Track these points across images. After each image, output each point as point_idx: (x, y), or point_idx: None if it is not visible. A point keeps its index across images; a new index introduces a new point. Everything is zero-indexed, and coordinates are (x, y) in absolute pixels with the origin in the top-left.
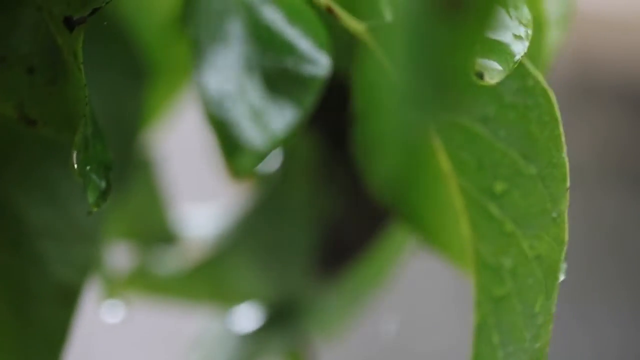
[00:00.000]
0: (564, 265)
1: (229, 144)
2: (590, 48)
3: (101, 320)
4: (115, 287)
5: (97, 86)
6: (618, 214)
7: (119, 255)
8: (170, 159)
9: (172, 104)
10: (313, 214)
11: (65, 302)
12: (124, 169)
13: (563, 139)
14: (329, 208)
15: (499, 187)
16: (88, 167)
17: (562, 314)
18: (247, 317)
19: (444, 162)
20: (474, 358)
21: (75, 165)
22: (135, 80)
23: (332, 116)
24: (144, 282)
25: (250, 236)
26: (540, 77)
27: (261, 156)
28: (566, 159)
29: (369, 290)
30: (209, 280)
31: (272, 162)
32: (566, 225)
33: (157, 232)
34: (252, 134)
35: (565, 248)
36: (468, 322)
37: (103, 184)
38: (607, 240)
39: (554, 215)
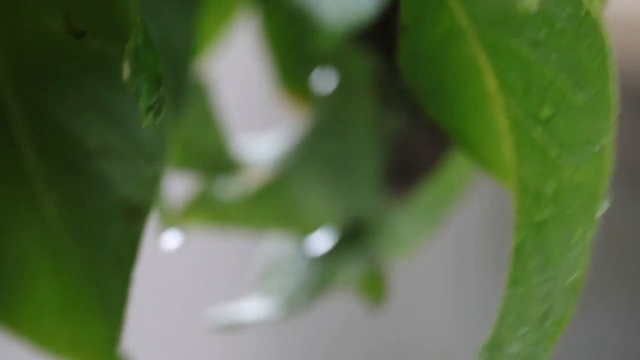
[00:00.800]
0: (605, 200)
1: (309, 23)
2: None
3: (159, 245)
4: (175, 217)
5: (148, 9)
6: (617, 214)
7: (178, 185)
8: (225, 87)
9: (226, 28)
10: (377, 133)
11: (133, 221)
12: (179, 95)
13: (613, 71)
14: (394, 126)
15: (545, 112)
16: (139, 77)
17: None
18: (317, 241)
19: (490, 82)
20: (510, 282)
21: (126, 76)
22: (187, 3)
23: (390, 30)
24: (206, 211)
25: (314, 158)
26: (594, 8)
27: (339, 35)
28: (615, 93)
29: (439, 209)
30: (274, 204)
31: (327, 83)
32: (610, 159)
33: (216, 159)
34: (331, 12)
35: (607, 182)
36: (466, 319)
37: (155, 96)
38: (606, 240)
39: (597, 148)
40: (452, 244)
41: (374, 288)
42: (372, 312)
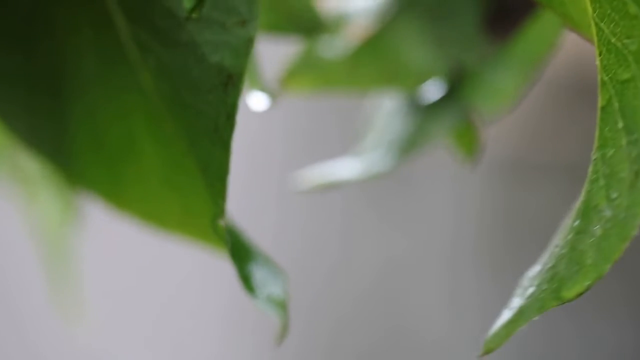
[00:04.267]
0: None
1: None
2: (586, 48)
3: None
4: (277, 81)
5: None
6: None
7: (275, 49)
8: None
9: None
10: None
11: (228, 88)
12: None
13: None
14: None
15: None
16: None
17: (557, 314)
18: (417, 95)
19: None
20: (599, 145)
21: None
22: None
23: None
24: (308, 73)
25: (414, 7)
26: None
27: None
28: None
29: (531, 60)
30: (377, 59)
31: None
32: None
33: (307, 19)
34: None
35: None
36: (463, 311)
37: None
38: None
39: None
40: (449, 237)
41: (468, 140)
42: (466, 165)
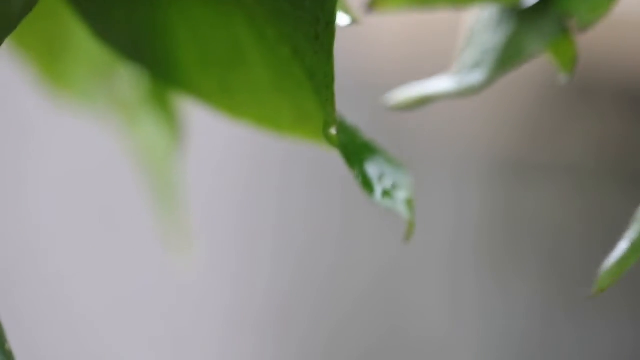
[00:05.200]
0: None
1: None
2: (587, 47)
3: None
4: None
5: None
6: (614, 213)
7: None
8: None
9: None
10: None
11: None
12: None
13: None
14: None
15: None
16: None
17: (557, 314)
18: (512, 3)
19: None
20: None
21: None
22: None
23: None
24: None
25: None
26: None
27: None
28: None
29: None
30: None
31: None
32: None
33: None
34: None
35: None
36: (463, 313)
37: None
38: (604, 240)
39: None
40: (449, 236)
41: (564, 51)
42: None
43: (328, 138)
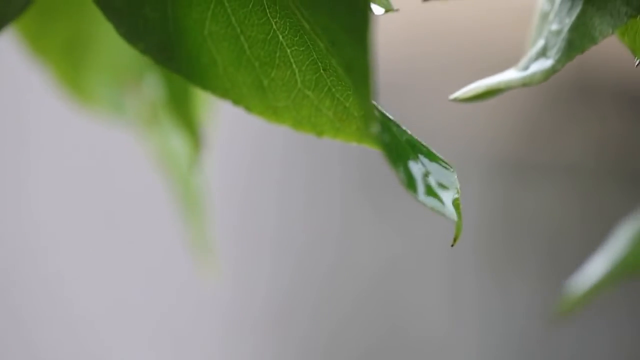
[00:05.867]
0: None
1: None
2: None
3: None
4: None
5: None
6: (614, 213)
7: None
8: None
9: None
10: None
11: None
12: None
13: None
14: None
15: None
16: None
17: (556, 314)
18: None
19: None
20: None
21: None
22: None
23: None
24: None
25: None
26: None
27: None
28: None
29: None
30: None
31: None
32: None
33: None
34: None
35: None
36: (463, 313)
37: None
38: (602, 241)
39: None
40: (449, 237)
41: (636, 35)
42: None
43: (368, 136)
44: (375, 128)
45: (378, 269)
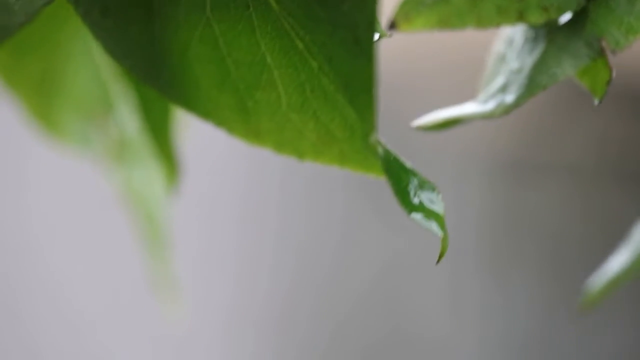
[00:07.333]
0: None
1: None
2: None
3: None
4: (398, 22)
5: None
6: (615, 213)
7: None
8: None
9: None
10: None
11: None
12: None
13: None
14: None
15: None
16: None
17: (556, 314)
18: (542, 29)
19: None
20: None
21: None
22: None
23: None
24: (428, 12)
25: None
26: None
27: None
28: None
29: None
30: None
31: None
32: None
33: None
34: None
35: None
36: (464, 313)
37: None
38: (604, 240)
39: None
40: (450, 235)
41: (595, 73)
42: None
43: (367, 147)
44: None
45: (379, 269)
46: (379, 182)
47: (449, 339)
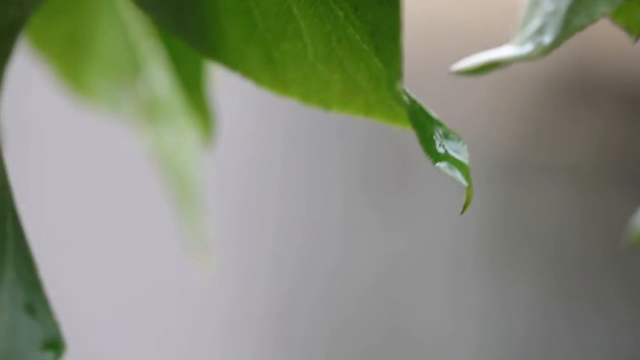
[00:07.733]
0: None
1: None
2: (588, 48)
3: None
4: None
5: None
6: (614, 214)
7: None
8: None
9: None
10: None
11: None
12: None
13: None
14: None
15: None
16: None
17: (556, 314)
18: None
19: None
20: None
21: None
22: None
23: None
24: None
25: None
26: None
27: None
28: None
29: None
30: None
31: None
32: None
33: None
34: None
35: None
36: (464, 313)
37: None
38: (603, 241)
39: None
40: (450, 236)
41: (631, 14)
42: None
43: (393, 94)
44: (399, 85)
45: (379, 269)
46: (381, 181)
47: (449, 339)
